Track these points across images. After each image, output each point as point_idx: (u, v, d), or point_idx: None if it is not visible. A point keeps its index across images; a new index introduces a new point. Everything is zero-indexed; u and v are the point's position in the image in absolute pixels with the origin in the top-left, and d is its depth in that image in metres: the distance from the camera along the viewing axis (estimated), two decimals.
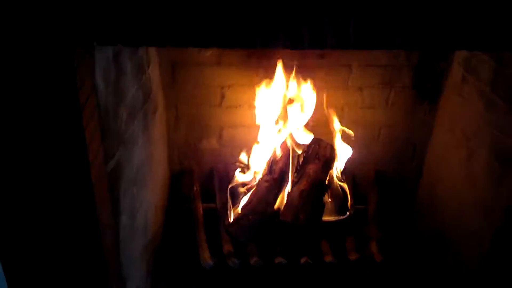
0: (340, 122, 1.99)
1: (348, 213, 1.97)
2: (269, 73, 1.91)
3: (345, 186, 1.98)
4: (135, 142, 1.59)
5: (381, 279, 1.86)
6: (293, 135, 1.92)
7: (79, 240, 1.26)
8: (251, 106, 1.99)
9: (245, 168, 2.03)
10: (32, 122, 1.11)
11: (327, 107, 1.94)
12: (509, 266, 1.65)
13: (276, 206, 1.86)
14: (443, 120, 2.02)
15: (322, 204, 1.89)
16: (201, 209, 2.03)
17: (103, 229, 1.30)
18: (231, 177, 2.04)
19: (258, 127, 2.00)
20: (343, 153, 1.97)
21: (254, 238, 1.81)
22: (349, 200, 1.98)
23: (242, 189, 1.98)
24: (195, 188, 2.09)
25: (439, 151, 2.08)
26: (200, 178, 2.15)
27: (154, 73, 1.81)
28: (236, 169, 2.05)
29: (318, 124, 1.99)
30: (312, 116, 1.95)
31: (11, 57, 1.02)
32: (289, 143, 1.92)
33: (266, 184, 1.87)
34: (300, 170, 1.91)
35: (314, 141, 1.95)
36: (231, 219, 1.90)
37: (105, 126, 1.30)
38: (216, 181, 2.12)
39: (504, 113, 1.62)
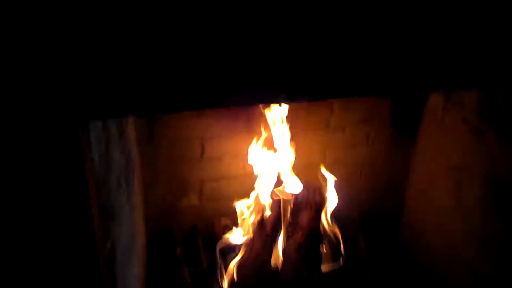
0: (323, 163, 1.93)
1: (342, 260, 1.89)
2: (251, 121, 1.82)
3: (336, 231, 1.90)
4: (122, 214, 1.43)
5: None
6: (281, 184, 1.82)
7: None
8: (233, 156, 1.89)
9: (232, 224, 1.90)
10: (37, 207, 0.95)
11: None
12: None
13: (273, 263, 1.73)
14: (424, 152, 2.02)
15: (320, 255, 1.80)
16: (187, 275, 1.86)
17: None
18: (216, 235, 1.91)
19: (241, 177, 1.90)
20: (331, 197, 1.90)
21: None
22: (342, 246, 1.89)
23: (232, 247, 1.83)
24: (177, 251, 1.93)
25: (421, 185, 2.07)
26: (181, 238, 1.99)
27: (130, 131, 1.66)
28: (221, 226, 1.92)
29: (302, 168, 1.91)
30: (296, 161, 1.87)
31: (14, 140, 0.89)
32: (278, 193, 1.82)
33: (259, 241, 1.75)
34: (292, 220, 1.81)
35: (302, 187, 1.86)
36: (226, 283, 1.75)
37: (101, 201, 1.15)
38: (199, 241, 1.97)
39: (495, 143, 1.62)
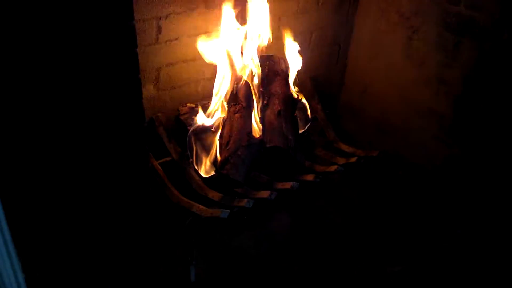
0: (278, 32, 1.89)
1: (309, 123, 1.93)
2: None
3: (301, 96, 1.91)
4: None
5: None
6: (246, 58, 1.76)
7: None
8: (191, 36, 1.76)
9: (197, 108, 1.81)
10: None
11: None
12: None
13: (255, 134, 1.71)
14: (368, 11, 2.06)
15: (296, 120, 1.81)
16: (158, 166, 1.77)
17: None
18: (183, 121, 1.82)
19: (199, 59, 1.80)
20: (293, 63, 1.89)
21: (248, 173, 1.66)
22: (309, 110, 1.92)
23: (203, 130, 1.76)
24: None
25: (366, 44, 2.13)
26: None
27: None
28: (182, 113, 1.83)
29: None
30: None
31: None
32: (244, 67, 1.75)
33: (238, 115, 1.70)
34: (264, 91, 1.78)
35: (266, 58, 1.82)
36: (208, 164, 1.71)
37: None
38: (161, 132, 1.86)
39: None
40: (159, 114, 1.85)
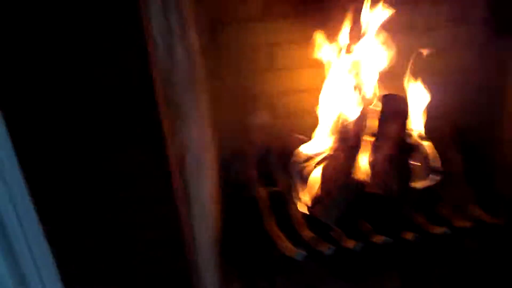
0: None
1: (438, 177, 1.67)
2: (323, 24, 1.62)
3: (429, 145, 1.68)
4: (190, 117, 1.29)
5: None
6: (364, 94, 1.62)
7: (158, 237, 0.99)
8: (306, 66, 1.70)
9: (308, 140, 1.73)
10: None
11: None
12: None
13: (357, 176, 1.56)
14: None
15: (409, 169, 1.60)
16: (265, 194, 1.73)
17: (182, 225, 1.02)
18: (292, 153, 1.75)
19: (315, 90, 1.72)
20: (419, 107, 1.68)
21: (340, 217, 1.51)
22: (438, 162, 1.67)
23: (309, 165, 1.67)
24: (251, 172, 1.79)
25: None
26: (255, 160, 1.84)
27: (191, 35, 1.49)
28: (297, 143, 1.76)
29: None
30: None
31: None
32: (361, 103, 1.62)
33: (342, 154, 1.58)
34: (379, 131, 1.61)
35: (388, 97, 1.65)
36: (307, 198, 1.61)
37: (166, 95, 1.01)
38: (274, 161, 1.82)
39: None
40: (273, 143, 1.83)
